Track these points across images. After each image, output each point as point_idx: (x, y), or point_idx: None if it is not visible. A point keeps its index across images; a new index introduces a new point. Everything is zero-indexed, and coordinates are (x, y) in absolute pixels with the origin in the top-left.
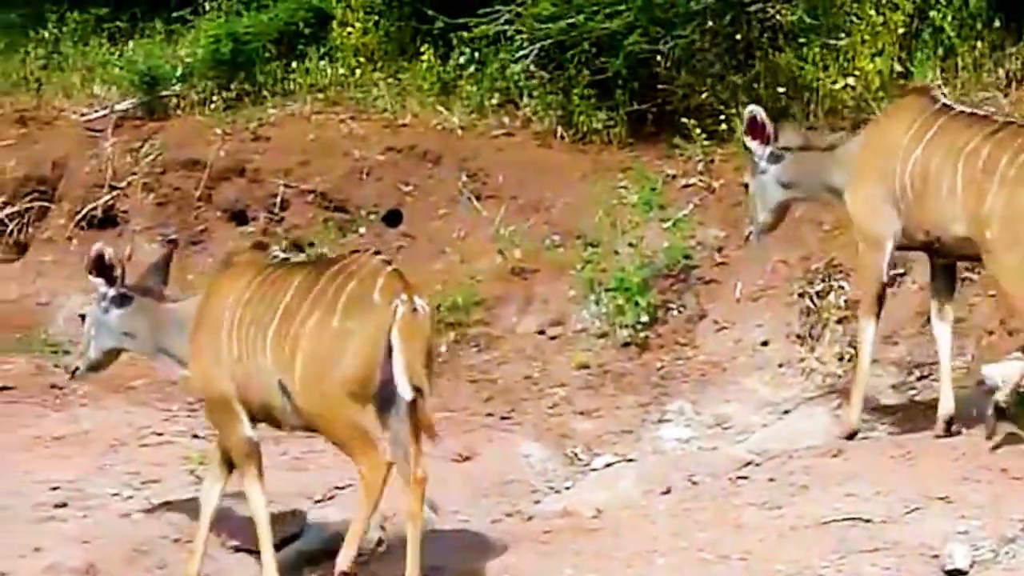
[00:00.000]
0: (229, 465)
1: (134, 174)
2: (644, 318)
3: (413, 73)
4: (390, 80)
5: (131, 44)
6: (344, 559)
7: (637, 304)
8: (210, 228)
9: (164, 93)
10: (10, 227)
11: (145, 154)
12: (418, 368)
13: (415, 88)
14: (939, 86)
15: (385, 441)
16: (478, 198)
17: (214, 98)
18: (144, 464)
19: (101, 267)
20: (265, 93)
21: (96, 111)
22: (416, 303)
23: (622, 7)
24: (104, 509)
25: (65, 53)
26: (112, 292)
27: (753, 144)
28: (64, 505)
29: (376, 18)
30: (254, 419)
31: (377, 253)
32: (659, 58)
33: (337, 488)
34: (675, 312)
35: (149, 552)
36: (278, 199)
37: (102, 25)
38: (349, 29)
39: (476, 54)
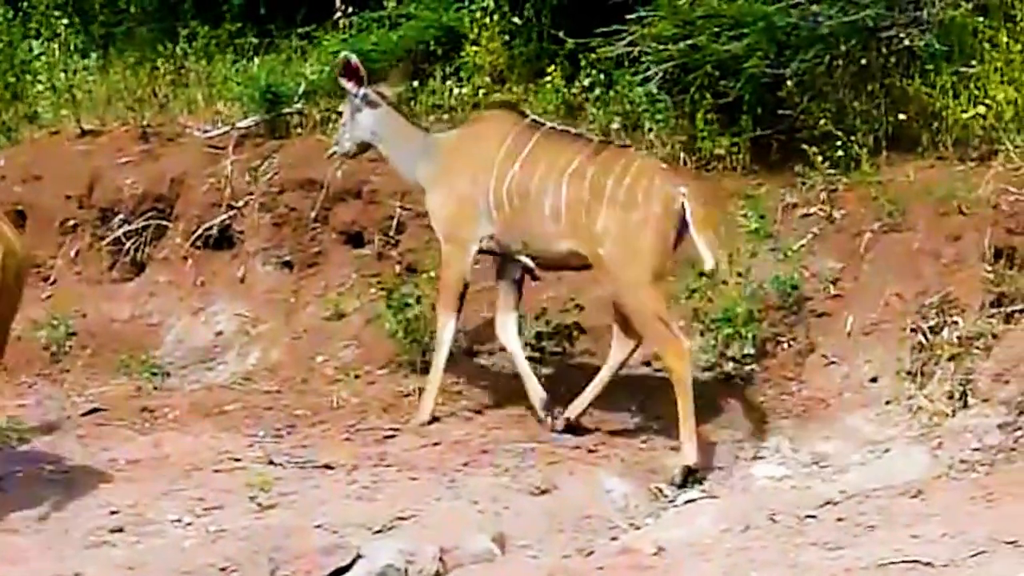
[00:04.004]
0: None
1: (251, 194)
2: (750, 351)
3: (540, 95)
4: (516, 102)
5: (256, 60)
6: None
7: (742, 336)
8: (325, 250)
9: (286, 111)
10: (127, 246)
11: (263, 173)
12: None
13: (541, 110)
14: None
15: None
16: None
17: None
18: (211, 490)
19: None
20: None
21: (218, 128)
22: None
23: (745, 29)
24: (159, 536)
25: (191, 69)
26: None
27: (348, 84)
28: (120, 530)
29: (506, 38)
30: None
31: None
32: (788, 83)
33: (400, 519)
34: (784, 346)
35: None
36: (394, 222)
37: (232, 41)
38: (476, 48)
39: (602, 76)
